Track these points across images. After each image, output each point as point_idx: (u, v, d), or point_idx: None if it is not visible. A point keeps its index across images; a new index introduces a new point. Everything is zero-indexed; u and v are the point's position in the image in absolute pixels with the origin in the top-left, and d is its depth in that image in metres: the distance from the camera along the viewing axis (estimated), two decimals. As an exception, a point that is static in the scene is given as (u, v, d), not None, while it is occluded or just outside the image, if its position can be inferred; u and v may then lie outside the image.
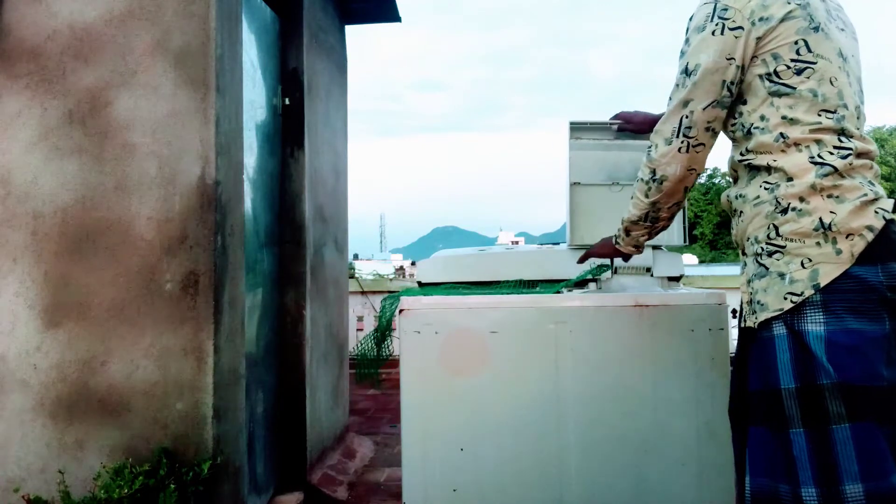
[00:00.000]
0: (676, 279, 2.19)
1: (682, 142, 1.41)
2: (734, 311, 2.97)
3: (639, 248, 1.68)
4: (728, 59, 1.36)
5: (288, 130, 3.03)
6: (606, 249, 1.76)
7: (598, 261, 2.02)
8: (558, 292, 1.95)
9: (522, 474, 1.82)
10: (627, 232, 1.63)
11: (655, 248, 2.23)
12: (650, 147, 1.48)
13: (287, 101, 3.01)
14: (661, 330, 1.82)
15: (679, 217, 2.17)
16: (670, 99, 1.45)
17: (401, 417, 1.89)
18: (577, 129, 2.19)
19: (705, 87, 1.38)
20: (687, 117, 1.40)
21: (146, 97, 2.10)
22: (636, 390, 1.81)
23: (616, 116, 2.10)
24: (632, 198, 1.57)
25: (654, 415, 1.81)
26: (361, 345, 2.20)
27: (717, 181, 45.75)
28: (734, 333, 1.48)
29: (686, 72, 1.40)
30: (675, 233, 2.20)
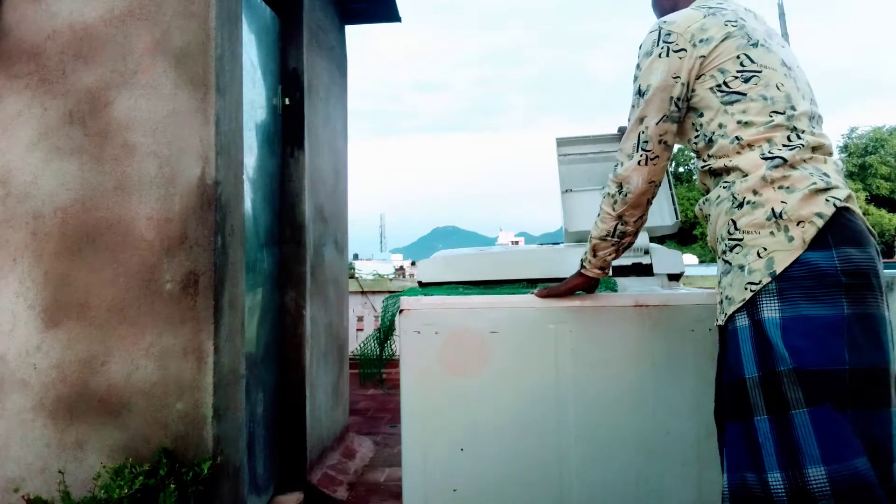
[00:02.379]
0: (676, 277, 2.19)
1: (642, 155, 1.55)
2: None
3: (604, 271, 1.74)
4: (674, 78, 1.49)
5: (288, 130, 3.03)
6: (569, 284, 1.80)
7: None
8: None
9: (523, 474, 1.82)
10: (595, 252, 1.69)
11: (652, 240, 2.22)
12: (616, 164, 1.60)
13: (287, 101, 3.01)
14: (662, 330, 1.82)
15: (667, 194, 2.19)
16: (629, 119, 1.57)
17: (401, 417, 1.89)
18: (563, 143, 2.30)
19: (656, 104, 1.52)
20: (643, 132, 1.54)
21: (146, 97, 2.10)
22: (636, 390, 1.81)
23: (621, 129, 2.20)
24: (598, 214, 1.67)
25: (655, 415, 1.81)
26: (364, 345, 2.20)
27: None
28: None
29: (640, 92, 1.54)
30: (665, 213, 2.20)
